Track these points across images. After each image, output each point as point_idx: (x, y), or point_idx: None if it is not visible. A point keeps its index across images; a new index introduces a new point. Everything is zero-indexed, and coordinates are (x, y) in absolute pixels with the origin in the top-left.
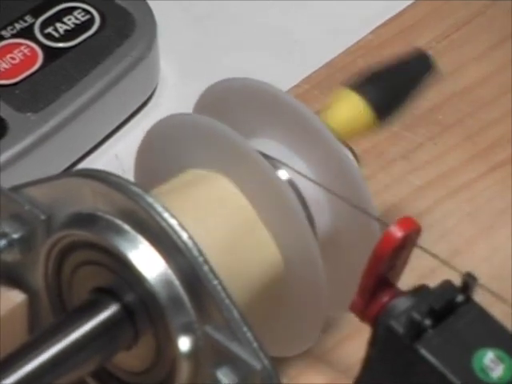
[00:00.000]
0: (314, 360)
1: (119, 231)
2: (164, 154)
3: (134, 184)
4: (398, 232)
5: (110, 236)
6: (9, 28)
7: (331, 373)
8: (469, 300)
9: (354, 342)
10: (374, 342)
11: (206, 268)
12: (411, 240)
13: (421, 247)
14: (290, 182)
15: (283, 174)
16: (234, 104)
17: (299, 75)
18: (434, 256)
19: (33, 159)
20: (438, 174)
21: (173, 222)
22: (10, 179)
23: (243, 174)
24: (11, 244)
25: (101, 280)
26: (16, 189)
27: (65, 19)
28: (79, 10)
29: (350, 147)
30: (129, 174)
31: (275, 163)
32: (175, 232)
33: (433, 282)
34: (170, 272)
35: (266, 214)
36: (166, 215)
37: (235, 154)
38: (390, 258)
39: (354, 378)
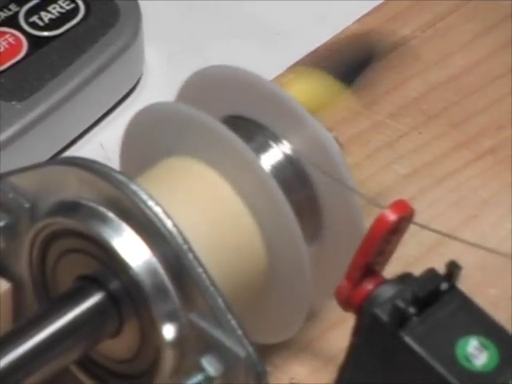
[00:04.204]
0: (299, 348)
1: (103, 219)
2: (148, 142)
3: (119, 172)
4: (391, 215)
5: (94, 224)
6: None
7: (316, 361)
8: (453, 288)
9: (338, 330)
10: (358, 330)
11: (190, 256)
12: (404, 223)
13: (419, 224)
14: (276, 168)
15: (267, 160)
16: (217, 91)
17: (284, 64)
18: (435, 231)
19: (18, 148)
20: (423, 162)
21: (157, 209)
22: None
23: (226, 161)
24: None
25: (85, 268)
26: (0, 177)
27: (49, 8)
28: None
29: (334, 135)
30: (114, 163)
31: (260, 148)
32: (160, 220)
33: (417, 271)
34: (154, 260)
35: (249, 200)
36: (150, 203)
37: (217, 142)
38: (383, 240)
39: (339, 366)
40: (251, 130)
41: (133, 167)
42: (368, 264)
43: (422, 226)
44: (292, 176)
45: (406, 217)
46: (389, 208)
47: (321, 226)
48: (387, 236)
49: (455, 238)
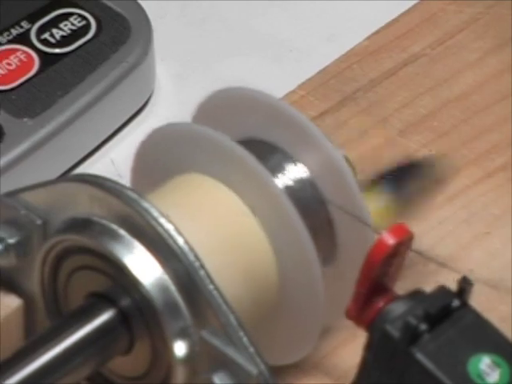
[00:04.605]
0: (310, 366)
1: (115, 236)
2: (160, 162)
3: (130, 189)
4: (390, 239)
5: (105, 241)
6: (5, 34)
7: (327, 379)
8: (465, 305)
9: (349, 347)
10: (369, 347)
11: (202, 273)
12: (404, 247)
13: (416, 251)
14: (290, 188)
15: (281, 180)
16: (231, 112)
17: (294, 81)
18: (431, 259)
19: (29, 164)
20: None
21: (169, 226)
22: (7, 184)
23: (239, 179)
24: (7, 249)
25: (97, 285)
26: (12, 194)
27: (61, 25)
28: (75, 16)
29: (345, 155)
30: (125, 180)
31: (274, 168)
32: (171, 237)
33: (429, 288)
34: (166, 277)
35: (262, 218)
36: (162, 220)
37: (230, 160)
38: (382, 265)
39: (350, 383)
40: (265, 151)
41: (144, 185)
42: (374, 285)
43: (419, 253)
44: (306, 196)
45: (405, 240)
46: (388, 232)
47: (335, 247)
48: (387, 260)
49: (450, 268)
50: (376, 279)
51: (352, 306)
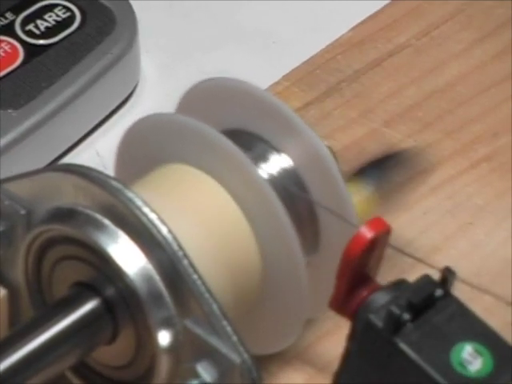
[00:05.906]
0: (294, 356)
1: (99, 226)
2: (144, 153)
3: (115, 179)
4: (368, 233)
5: (89, 230)
6: None
7: (311, 368)
8: (448, 294)
9: (333, 337)
10: (353, 337)
11: (185, 262)
12: (382, 240)
13: (394, 247)
14: (274, 178)
15: (264, 170)
16: (215, 102)
17: (279, 72)
18: (408, 255)
19: (14, 156)
20: (419, 170)
21: (152, 216)
22: None
23: (223, 169)
24: None
25: (81, 275)
26: None
27: (46, 16)
28: (60, 7)
29: (329, 145)
30: (110, 171)
31: (257, 158)
32: (155, 226)
33: (412, 278)
34: (149, 266)
35: (246, 209)
36: (145, 210)
37: (214, 150)
38: (361, 258)
39: (334, 373)
40: (248, 140)
41: (128, 175)
42: (354, 277)
43: (397, 250)
44: (289, 186)
45: (382, 234)
46: (365, 225)
47: (318, 236)
48: (365, 253)
49: (428, 264)
50: (356, 272)
51: (334, 298)
